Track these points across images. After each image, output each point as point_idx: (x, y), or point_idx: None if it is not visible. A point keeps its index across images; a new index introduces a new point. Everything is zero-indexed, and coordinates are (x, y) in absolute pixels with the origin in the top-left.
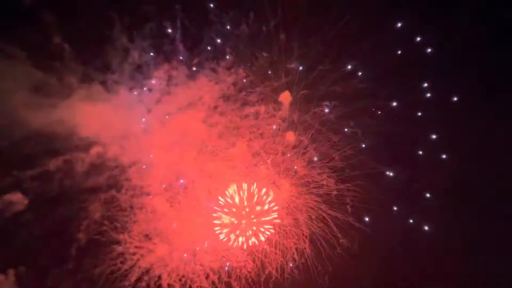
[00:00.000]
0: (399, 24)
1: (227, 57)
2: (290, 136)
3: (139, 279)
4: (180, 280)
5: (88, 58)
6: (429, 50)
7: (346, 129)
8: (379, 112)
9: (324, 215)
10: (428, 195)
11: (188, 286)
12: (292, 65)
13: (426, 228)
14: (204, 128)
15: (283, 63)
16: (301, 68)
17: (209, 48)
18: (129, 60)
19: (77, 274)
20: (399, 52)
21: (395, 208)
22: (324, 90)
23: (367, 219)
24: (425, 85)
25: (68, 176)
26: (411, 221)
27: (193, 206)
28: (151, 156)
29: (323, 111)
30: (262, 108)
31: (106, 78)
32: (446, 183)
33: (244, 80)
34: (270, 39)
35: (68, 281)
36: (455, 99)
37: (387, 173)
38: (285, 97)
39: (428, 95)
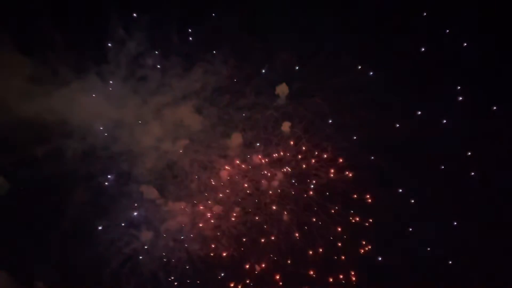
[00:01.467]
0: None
1: (223, 48)
2: (284, 127)
3: (121, 265)
4: (164, 267)
5: (81, 47)
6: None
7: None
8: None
9: (316, 205)
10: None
11: (172, 273)
12: (288, 57)
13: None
14: (197, 118)
15: (279, 55)
16: (298, 66)
17: (204, 39)
18: (123, 51)
19: (58, 260)
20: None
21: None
22: (321, 82)
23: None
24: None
25: (55, 163)
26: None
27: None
28: (142, 145)
29: (318, 102)
30: (256, 100)
31: (100, 68)
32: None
33: (235, 79)
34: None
35: (49, 267)
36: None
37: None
38: (282, 89)
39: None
